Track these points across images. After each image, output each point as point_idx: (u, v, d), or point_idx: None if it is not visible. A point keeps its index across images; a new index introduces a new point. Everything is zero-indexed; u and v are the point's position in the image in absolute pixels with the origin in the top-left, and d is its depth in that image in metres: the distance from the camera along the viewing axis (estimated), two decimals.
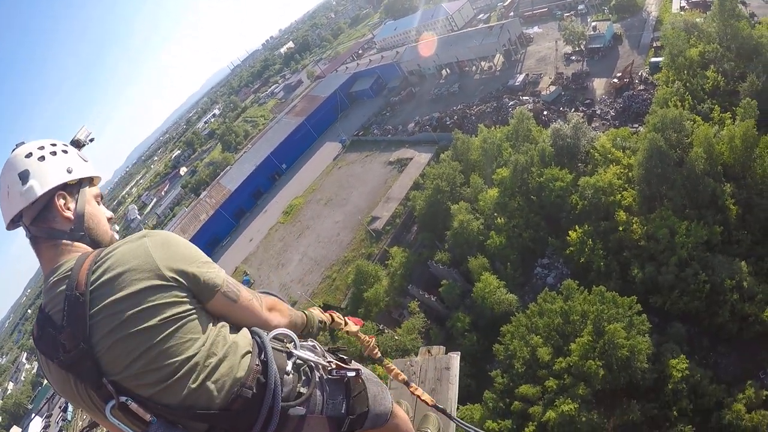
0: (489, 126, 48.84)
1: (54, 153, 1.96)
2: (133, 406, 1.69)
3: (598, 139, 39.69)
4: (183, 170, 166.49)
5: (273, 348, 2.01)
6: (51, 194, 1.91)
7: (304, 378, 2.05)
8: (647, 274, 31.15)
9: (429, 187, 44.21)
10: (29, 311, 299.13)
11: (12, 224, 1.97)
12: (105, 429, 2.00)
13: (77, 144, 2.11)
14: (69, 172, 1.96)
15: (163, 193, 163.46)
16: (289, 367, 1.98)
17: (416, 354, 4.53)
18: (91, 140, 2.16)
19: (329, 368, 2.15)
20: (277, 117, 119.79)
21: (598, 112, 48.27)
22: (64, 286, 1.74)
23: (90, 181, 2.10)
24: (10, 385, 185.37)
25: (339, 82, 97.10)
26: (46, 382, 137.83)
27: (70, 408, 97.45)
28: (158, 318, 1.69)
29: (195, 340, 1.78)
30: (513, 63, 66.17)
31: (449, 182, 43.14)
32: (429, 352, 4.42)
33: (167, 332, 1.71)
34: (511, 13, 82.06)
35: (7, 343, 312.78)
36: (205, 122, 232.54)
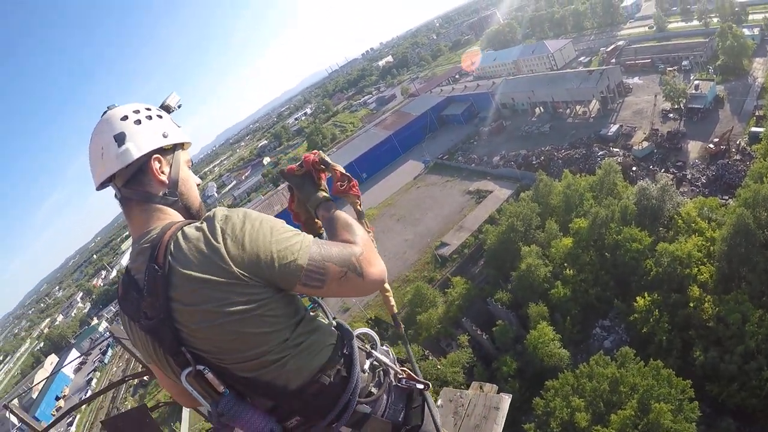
0: (574, 172, 48.08)
1: (149, 117, 1.96)
2: (209, 376, 1.75)
3: (684, 205, 38.34)
4: (266, 160, 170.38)
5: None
6: (147, 157, 1.91)
7: (376, 379, 2.10)
8: (709, 358, 29.51)
9: (503, 223, 43.63)
10: (94, 256, 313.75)
11: (102, 185, 1.98)
12: (161, 382, 2.18)
13: (167, 109, 2.11)
14: (165, 136, 1.97)
15: (243, 177, 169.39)
16: (366, 366, 2.04)
17: (466, 387, 4.50)
18: (179, 106, 2.16)
19: (400, 376, 2.19)
20: (366, 127, 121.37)
21: (689, 176, 46.52)
22: (148, 254, 1.74)
23: (182, 147, 2.10)
24: (60, 318, 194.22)
25: (432, 103, 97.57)
26: (94, 322, 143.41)
27: (109, 353, 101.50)
28: (238, 305, 1.65)
29: (277, 325, 1.75)
30: (608, 111, 64.66)
31: (525, 223, 42.50)
32: (481, 388, 4.37)
33: (247, 317, 1.67)
34: (613, 60, 79.93)
35: (67, 279, 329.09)
36: (296, 119, 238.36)
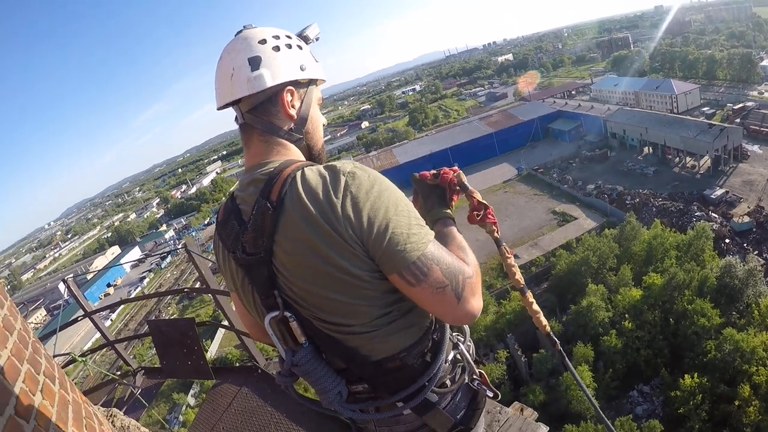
0: (665, 225, 46.16)
1: (289, 46, 1.80)
2: (294, 324, 1.67)
3: (766, 296, 35.53)
4: (365, 124, 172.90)
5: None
6: (279, 88, 1.77)
7: (453, 374, 1.98)
8: None
9: (579, 253, 42.85)
10: (180, 170, 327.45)
11: (224, 106, 1.83)
12: (237, 309, 2.13)
13: (305, 40, 1.94)
14: (302, 69, 1.82)
15: (338, 135, 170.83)
16: (450, 357, 1.93)
17: (507, 405, 4.33)
18: (317, 39, 2.01)
19: (475, 377, 2.05)
20: (470, 118, 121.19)
21: None
22: (261, 187, 1.64)
23: (315, 83, 1.94)
24: (132, 216, 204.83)
25: (541, 112, 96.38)
26: (162, 228, 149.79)
27: (168, 260, 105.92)
28: (341, 270, 1.54)
29: (375, 300, 1.63)
30: (718, 172, 60.96)
31: (600, 260, 41.56)
32: (522, 410, 4.28)
33: (346, 285, 1.56)
34: (737, 120, 74.86)
35: (148, 184, 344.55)
36: (403, 92, 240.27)
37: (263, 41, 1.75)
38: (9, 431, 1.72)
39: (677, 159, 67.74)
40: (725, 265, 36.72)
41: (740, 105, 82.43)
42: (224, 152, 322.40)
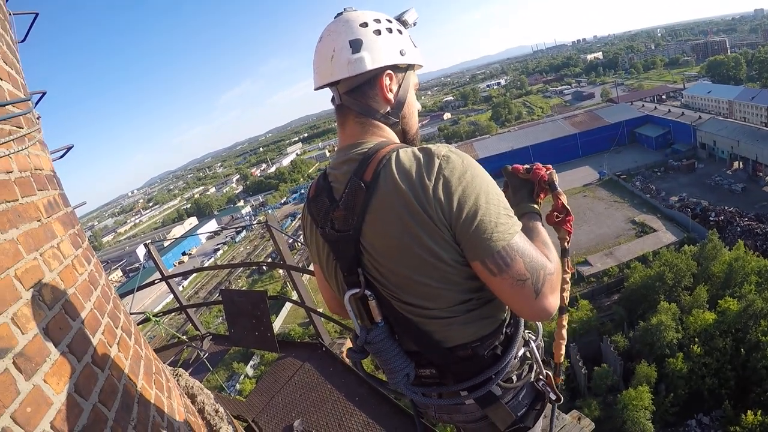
0: (749, 247, 43.59)
1: (390, 30, 1.80)
2: (372, 303, 1.72)
3: None
4: (447, 116, 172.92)
5: None
6: (379, 71, 1.78)
7: (521, 371, 1.97)
8: None
9: (655, 268, 41.42)
10: (261, 149, 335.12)
11: (322, 86, 1.85)
12: (318, 282, 2.14)
13: (404, 24, 1.92)
14: (402, 54, 1.82)
15: (420, 125, 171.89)
16: (520, 353, 1.92)
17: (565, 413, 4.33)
18: (415, 24, 1.97)
19: (540, 377, 2.05)
20: (554, 116, 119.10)
21: None
22: (355, 167, 1.68)
23: (413, 68, 1.94)
24: (212, 190, 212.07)
25: (628, 115, 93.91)
26: (239, 203, 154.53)
27: (242, 234, 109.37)
28: (429, 253, 1.55)
29: (457, 286, 1.63)
30: None
31: (676, 277, 40.04)
32: (579, 419, 4.24)
33: (431, 268, 1.57)
34: None
35: (230, 160, 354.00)
36: (488, 85, 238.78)
37: (364, 24, 1.77)
38: (84, 378, 1.80)
39: None
40: None
41: None
42: (305, 134, 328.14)
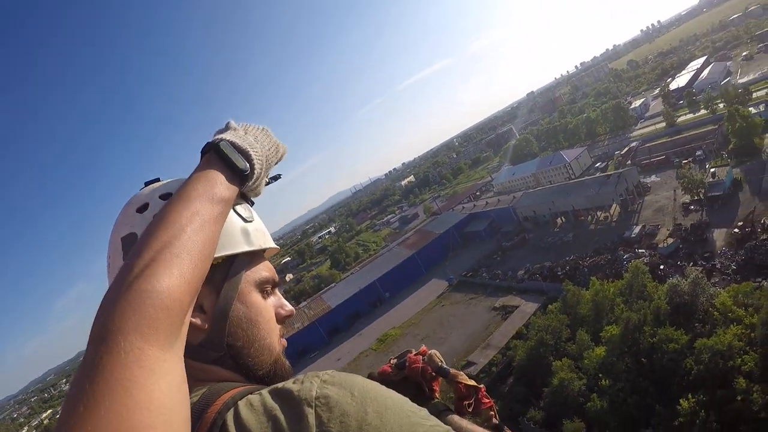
0: (602, 279, 46.35)
1: None
2: None
3: (718, 295, 36.35)
4: (289, 277, 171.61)
5: None
6: None
7: None
8: None
9: (532, 338, 42.43)
10: None
11: None
12: None
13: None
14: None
15: None
16: None
17: None
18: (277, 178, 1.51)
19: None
20: (389, 246, 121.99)
21: (718, 266, 44.48)
22: None
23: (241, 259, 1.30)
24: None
25: (454, 220, 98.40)
26: None
27: None
28: None
29: None
30: (629, 213, 64.91)
31: (554, 336, 41.32)
32: None
33: None
34: (629, 162, 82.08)
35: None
36: (320, 237, 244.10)
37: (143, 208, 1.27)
38: None
39: (590, 218, 70.69)
40: (669, 288, 37.78)
41: (626, 148, 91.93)
42: None
